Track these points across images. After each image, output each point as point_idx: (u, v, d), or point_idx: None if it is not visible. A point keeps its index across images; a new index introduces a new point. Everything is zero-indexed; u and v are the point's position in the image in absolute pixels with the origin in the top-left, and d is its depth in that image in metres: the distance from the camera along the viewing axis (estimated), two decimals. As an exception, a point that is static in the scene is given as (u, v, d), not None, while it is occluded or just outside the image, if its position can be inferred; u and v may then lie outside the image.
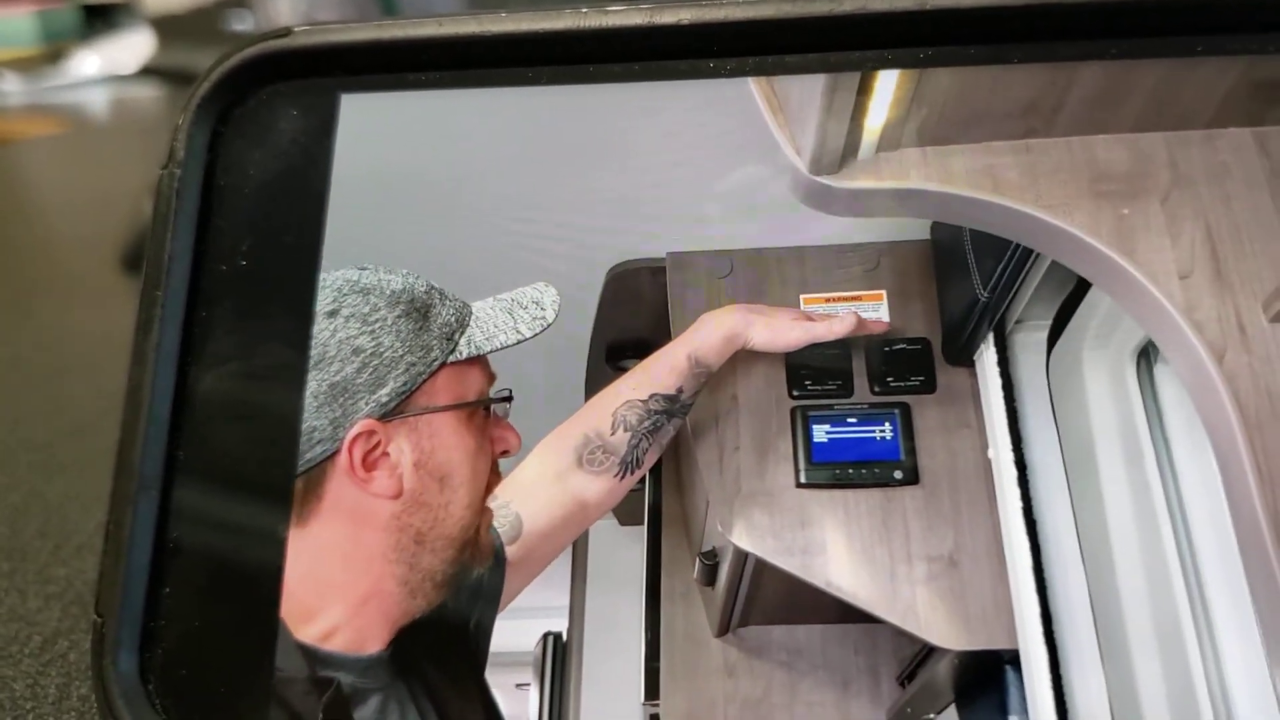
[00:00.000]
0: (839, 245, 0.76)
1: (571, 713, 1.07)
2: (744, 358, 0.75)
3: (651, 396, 0.64)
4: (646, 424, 0.64)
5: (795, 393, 0.72)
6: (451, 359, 0.52)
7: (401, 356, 0.49)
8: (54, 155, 1.54)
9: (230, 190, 0.40)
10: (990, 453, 0.68)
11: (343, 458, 0.47)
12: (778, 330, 0.60)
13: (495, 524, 0.60)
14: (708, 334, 0.63)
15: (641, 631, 0.89)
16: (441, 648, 0.57)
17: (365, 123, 0.41)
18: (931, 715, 0.77)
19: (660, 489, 0.87)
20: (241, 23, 1.74)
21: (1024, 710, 0.67)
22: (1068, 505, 0.64)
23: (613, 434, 0.63)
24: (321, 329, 0.47)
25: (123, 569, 0.36)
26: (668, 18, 0.37)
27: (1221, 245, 0.41)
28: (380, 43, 0.39)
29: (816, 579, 0.66)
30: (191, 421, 0.38)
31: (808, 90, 0.47)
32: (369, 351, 0.48)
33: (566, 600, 0.75)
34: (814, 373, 0.73)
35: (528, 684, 1.09)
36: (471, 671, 0.59)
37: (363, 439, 0.48)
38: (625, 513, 0.90)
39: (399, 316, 0.50)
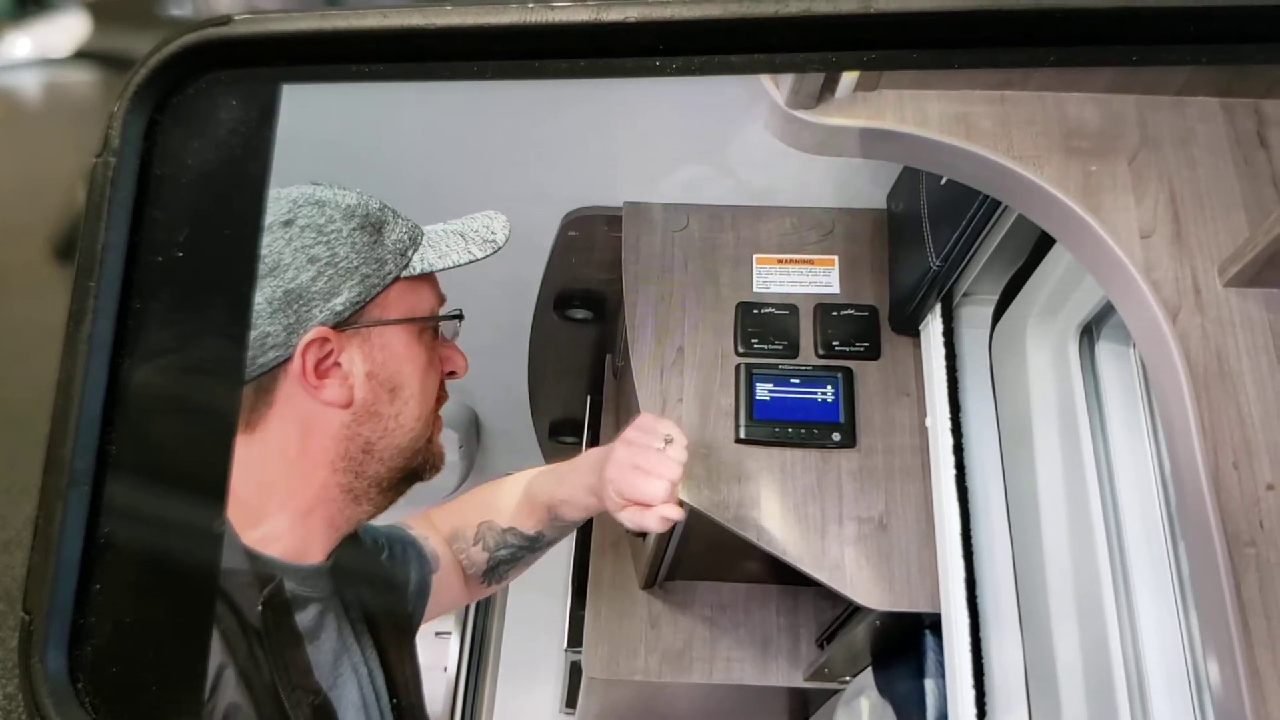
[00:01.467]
0: (796, 209, 0.77)
1: (491, 660, 1.07)
2: (693, 312, 0.75)
3: (510, 529, 0.63)
4: (503, 552, 0.63)
5: (741, 349, 0.72)
6: (405, 274, 0.51)
7: (356, 268, 0.49)
8: None
9: (167, 180, 0.39)
10: (928, 421, 0.69)
11: (295, 364, 0.47)
12: (634, 486, 0.58)
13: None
14: (573, 490, 0.63)
15: (567, 581, 0.89)
16: (377, 584, 0.56)
17: (306, 103, 0.41)
18: (848, 677, 0.79)
19: (598, 439, 0.86)
20: (179, 8, 1.69)
21: (940, 674, 0.68)
22: (999, 475, 0.65)
23: (475, 545, 0.63)
24: (276, 237, 0.47)
25: (52, 565, 0.35)
26: (614, 15, 0.36)
27: (1183, 208, 0.42)
28: (323, 33, 0.38)
29: (749, 532, 0.66)
30: (124, 415, 0.37)
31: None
32: (324, 260, 0.48)
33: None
34: (761, 332, 0.73)
35: (448, 632, 1.08)
36: (405, 620, 0.59)
37: (315, 345, 0.48)
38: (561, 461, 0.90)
39: (354, 229, 0.49)
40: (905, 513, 0.68)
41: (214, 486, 0.38)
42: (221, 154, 0.39)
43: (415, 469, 0.52)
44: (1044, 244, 0.60)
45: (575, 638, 0.85)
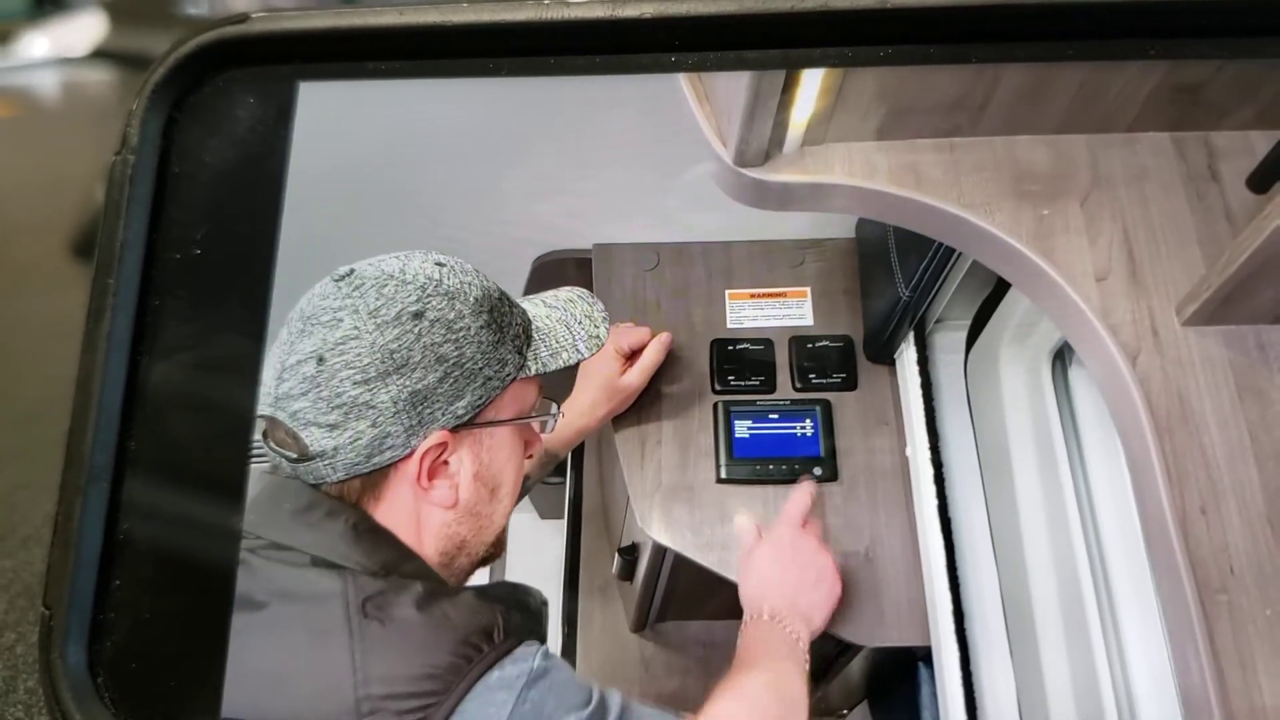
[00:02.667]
0: (765, 241, 0.76)
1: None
2: (668, 354, 0.74)
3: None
4: None
5: (718, 387, 0.72)
6: (522, 375, 0.51)
7: (480, 369, 0.49)
8: (2, 139, 1.49)
9: (185, 178, 0.39)
10: (908, 451, 0.69)
11: (412, 466, 0.47)
12: None
13: None
14: None
15: (558, 625, 0.89)
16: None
17: (316, 114, 0.41)
18: (845, 711, 0.78)
19: (581, 483, 0.86)
20: (196, 6, 1.69)
21: (935, 705, 0.67)
22: (982, 504, 0.65)
23: None
24: (405, 331, 0.47)
25: (71, 561, 0.35)
26: (630, 11, 0.36)
27: (1138, 247, 0.42)
28: (339, 31, 0.38)
29: (733, 574, 0.66)
30: (143, 412, 0.37)
31: (734, 82, 0.46)
32: (452, 361, 0.48)
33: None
34: (737, 368, 0.73)
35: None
36: None
37: (434, 450, 0.47)
38: (546, 506, 0.89)
39: (481, 327, 0.49)
40: (890, 544, 0.68)
41: (232, 483, 0.38)
42: (239, 151, 0.40)
43: (489, 558, 0.53)
44: (1011, 272, 0.60)
45: (568, 685, 0.84)
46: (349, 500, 0.47)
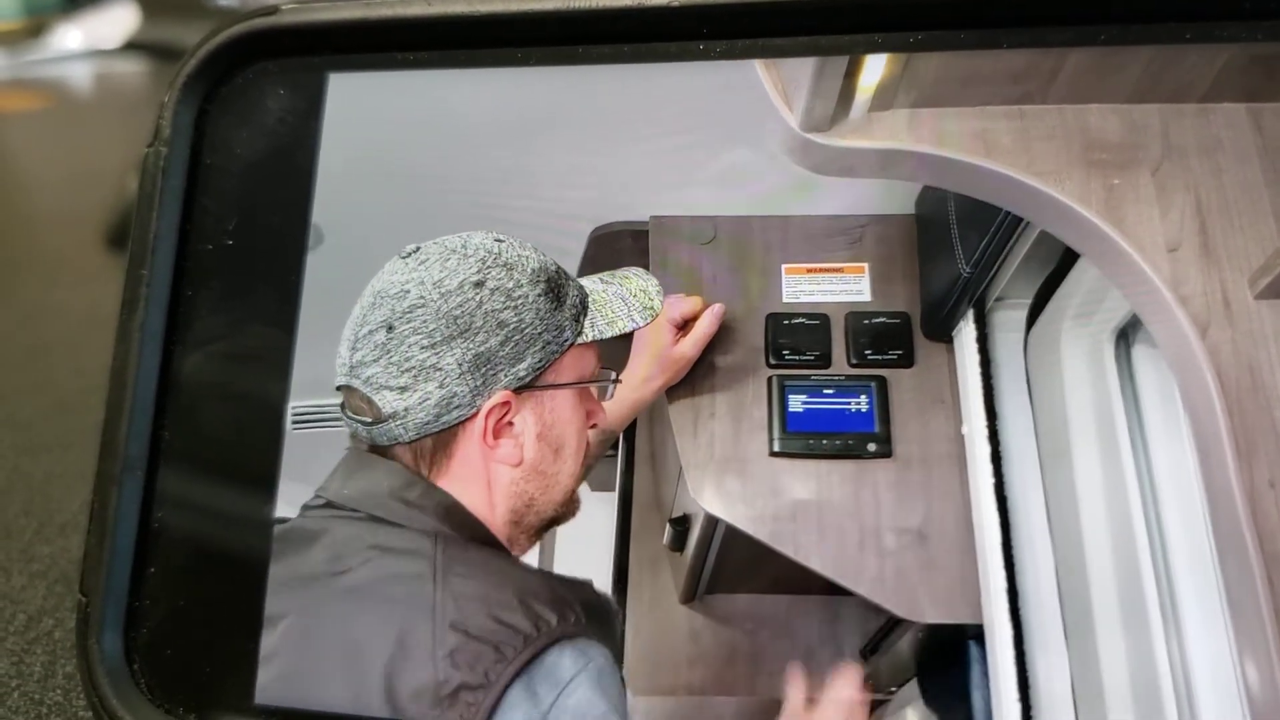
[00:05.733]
0: (824, 216, 0.76)
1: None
2: (723, 324, 0.74)
3: None
4: None
5: (772, 361, 0.72)
6: (578, 340, 0.54)
7: (539, 334, 0.52)
8: (36, 131, 1.51)
9: (216, 169, 0.40)
10: (964, 429, 0.68)
11: (478, 424, 0.50)
12: None
13: None
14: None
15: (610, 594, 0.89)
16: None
17: (349, 98, 0.41)
18: (894, 688, 0.78)
19: (632, 455, 0.86)
20: None
21: (986, 685, 0.67)
22: (1039, 483, 0.64)
23: None
24: (468, 299, 0.50)
25: (107, 549, 0.36)
26: None
27: (1210, 219, 0.41)
28: (368, 22, 0.38)
29: (785, 547, 0.66)
30: (176, 402, 0.38)
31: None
32: (512, 326, 0.51)
33: (535, 565, 0.74)
34: (792, 343, 0.72)
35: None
36: None
37: (498, 409, 0.51)
38: (596, 479, 0.90)
39: (539, 295, 0.52)
40: (944, 523, 0.67)
41: (265, 472, 0.39)
42: (270, 143, 0.40)
43: (559, 517, 0.57)
44: (1075, 248, 0.59)
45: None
46: (423, 457, 0.50)
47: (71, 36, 1.84)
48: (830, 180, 0.74)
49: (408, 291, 0.49)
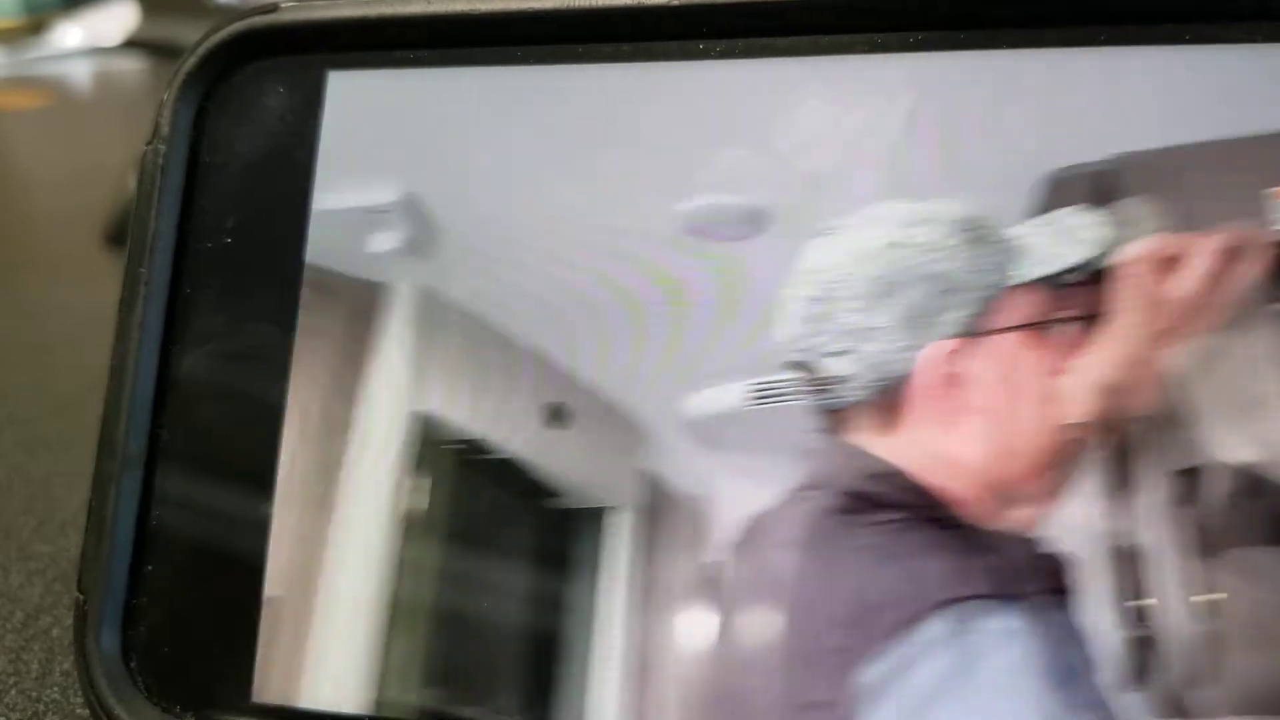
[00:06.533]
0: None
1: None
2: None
3: None
4: None
5: None
6: (1008, 283, 0.54)
7: (964, 282, 0.51)
8: (36, 128, 1.51)
9: (215, 167, 0.39)
10: None
11: (919, 378, 0.50)
12: None
13: None
14: None
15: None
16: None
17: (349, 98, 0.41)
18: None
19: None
20: None
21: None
22: None
23: None
24: (895, 258, 0.50)
25: (105, 547, 0.36)
26: None
27: None
28: (368, 20, 0.38)
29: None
30: (175, 400, 0.38)
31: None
32: (934, 278, 0.51)
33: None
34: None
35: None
36: None
37: (937, 362, 0.50)
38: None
39: (956, 245, 0.51)
40: None
41: (263, 470, 0.38)
42: (270, 141, 0.40)
43: (1060, 478, 0.54)
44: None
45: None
46: (869, 416, 0.50)
47: (71, 34, 1.84)
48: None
49: (829, 266, 0.50)
